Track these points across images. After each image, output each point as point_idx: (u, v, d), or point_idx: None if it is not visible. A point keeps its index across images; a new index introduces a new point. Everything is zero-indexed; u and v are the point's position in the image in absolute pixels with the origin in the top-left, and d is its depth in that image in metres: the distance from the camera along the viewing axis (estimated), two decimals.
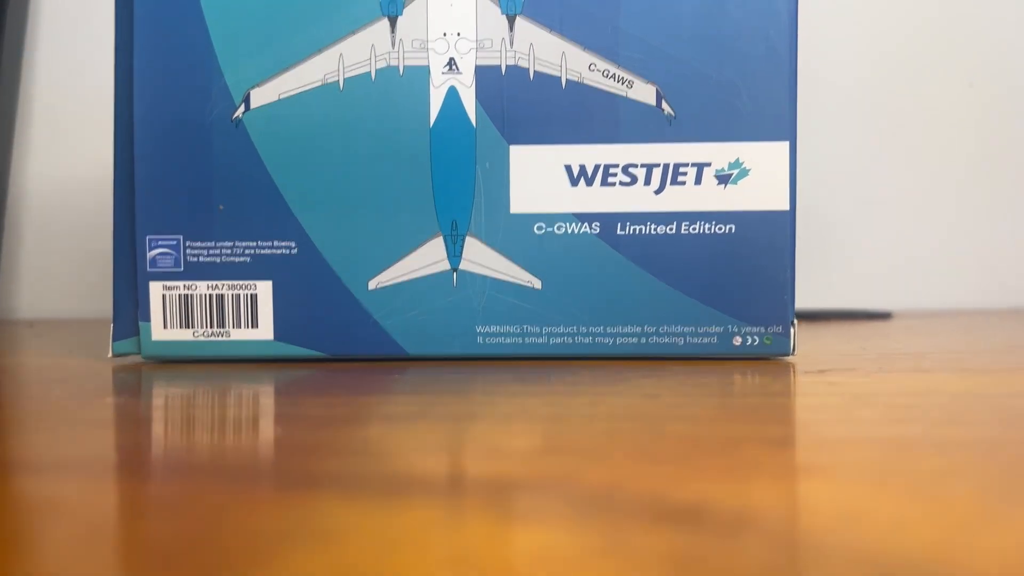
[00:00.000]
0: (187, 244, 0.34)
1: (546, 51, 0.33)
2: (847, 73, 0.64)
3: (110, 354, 0.34)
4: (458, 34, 0.33)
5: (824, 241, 0.65)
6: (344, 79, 0.33)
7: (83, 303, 0.65)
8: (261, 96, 0.33)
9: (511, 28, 0.33)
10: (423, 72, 0.33)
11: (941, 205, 0.65)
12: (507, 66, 0.33)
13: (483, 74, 0.33)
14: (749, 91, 0.33)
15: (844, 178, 0.65)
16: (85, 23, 0.63)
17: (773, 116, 0.33)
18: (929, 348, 0.40)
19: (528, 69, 0.33)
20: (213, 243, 0.34)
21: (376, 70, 0.33)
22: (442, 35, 0.33)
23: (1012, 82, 0.64)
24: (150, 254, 0.34)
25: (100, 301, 0.65)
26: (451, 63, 0.33)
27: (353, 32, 0.33)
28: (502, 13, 0.33)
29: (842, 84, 0.64)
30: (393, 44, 0.33)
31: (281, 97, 0.33)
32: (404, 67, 0.33)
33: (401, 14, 0.33)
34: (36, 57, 0.64)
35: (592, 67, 0.33)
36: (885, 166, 0.65)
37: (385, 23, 0.33)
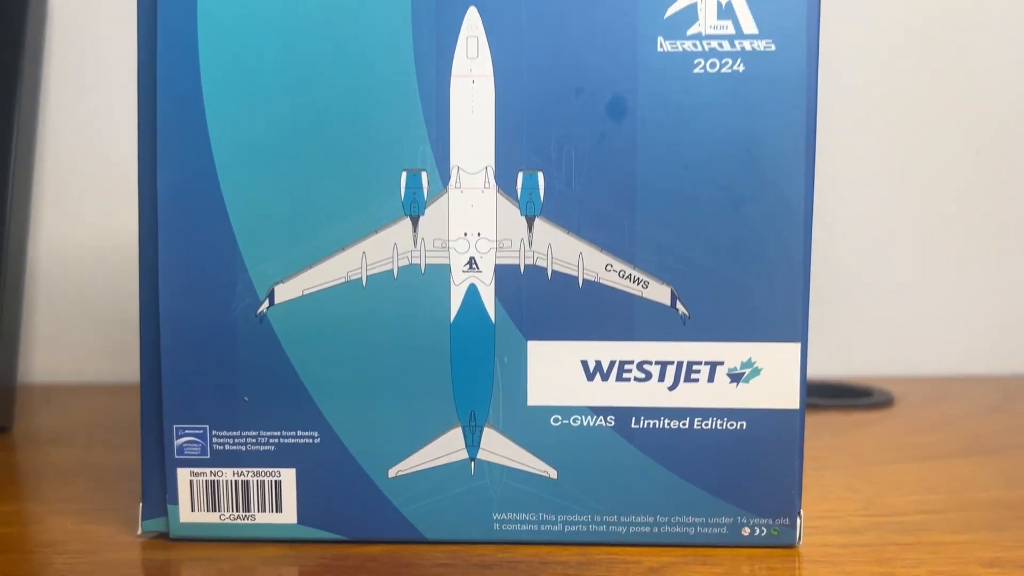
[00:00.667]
0: (213, 433, 0.35)
1: (564, 251, 0.34)
2: (857, 138, 0.64)
3: (139, 532, 0.36)
4: (478, 234, 0.34)
5: (828, 303, 0.66)
6: (367, 276, 0.34)
7: (97, 366, 0.66)
8: (285, 292, 0.34)
9: (530, 229, 0.34)
10: (444, 270, 0.34)
11: (944, 269, 0.66)
12: (526, 265, 0.34)
13: (502, 272, 0.34)
14: (763, 292, 0.34)
15: (848, 240, 0.66)
16: (100, 90, 0.64)
17: (786, 317, 0.34)
18: (937, 482, 0.40)
19: (546, 268, 0.34)
20: (239, 432, 0.35)
21: (399, 268, 0.34)
22: (463, 235, 0.34)
23: (1017, 150, 0.65)
24: (177, 442, 0.35)
25: (112, 364, 0.66)
26: (471, 262, 0.34)
27: (376, 231, 0.34)
28: (521, 215, 0.34)
29: (851, 146, 0.65)
30: (415, 243, 0.34)
31: (305, 293, 0.34)
32: (426, 265, 0.34)
33: (423, 214, 0.34)
34: (50, 125, 0.64)
35: (608, 267, 0.34)
36: (891, 230, 0.66)
37: (407, 223, 0.34)
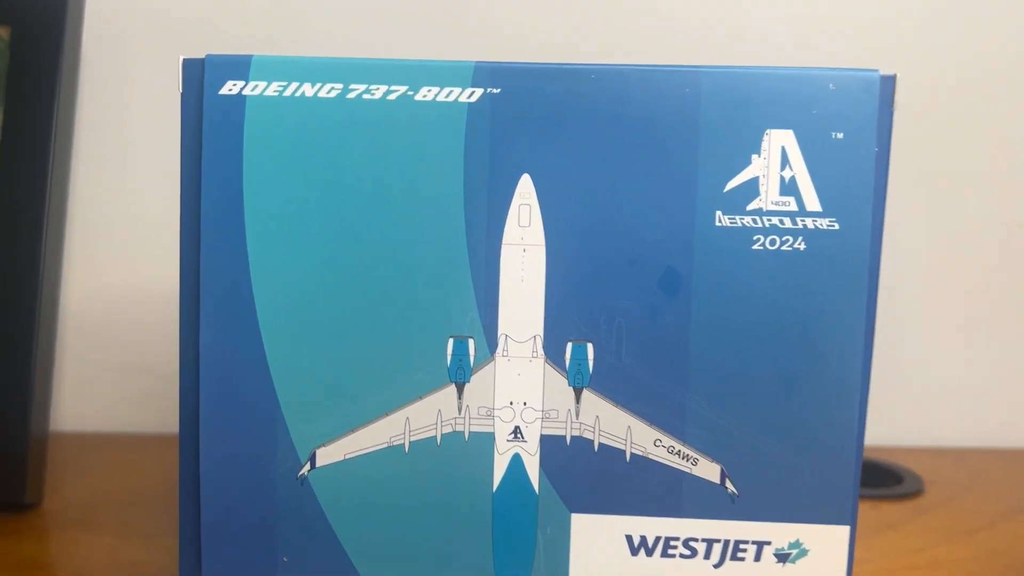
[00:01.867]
0: None
1: (612, 424, 0.33)
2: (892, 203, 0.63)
3: None
4: (524, 403, 0.33)
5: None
6: (410, 442, 0.34)
7: (125, 415, 0.66)
8: (327, 456, 0.34)
9: (577, 400, 0.33)
10: (488, 438, 0.34)
11: (975, 338, 0.65)
12: (572, 436, 0.33)
13: (548, 443, 0.33)
14: (813, 473, 0.33)
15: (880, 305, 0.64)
16: (130, 146, 0.63)
17: (835, 499, 0.33)
18: None
19: (593, 441, 0.33)
20: None
21: (442, 435, 0.34)
22: (508, 403, 0.33)
23: None
24: None
25: (137, 413, 0.66)
26: (516, 431, 0.33)
27: (420, 397, 0.33)
28: (569, 385, 0.33)
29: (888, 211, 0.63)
30: (460, 410, 0.33)
31: (347, 457, 0.34)
32: (469, 433, 0.34)
33: (469, 381, 0.33)
34: (81, 182, 0.64)
35: (658, 443, 0.33)
36: (923, 296, 0.65)
37: (452, 389, 0.33)
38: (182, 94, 0.33)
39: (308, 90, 0.32)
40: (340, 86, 0.32)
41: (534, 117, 0.32)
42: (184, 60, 0.33)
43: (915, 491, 0.61)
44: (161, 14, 0.62)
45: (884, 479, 0.62)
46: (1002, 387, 0.67)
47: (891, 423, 0.68)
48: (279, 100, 0.32)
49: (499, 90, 0.32)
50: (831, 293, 0.32)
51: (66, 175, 0.59)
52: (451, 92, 0.32)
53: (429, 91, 0.32)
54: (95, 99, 0.63)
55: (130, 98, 0.64)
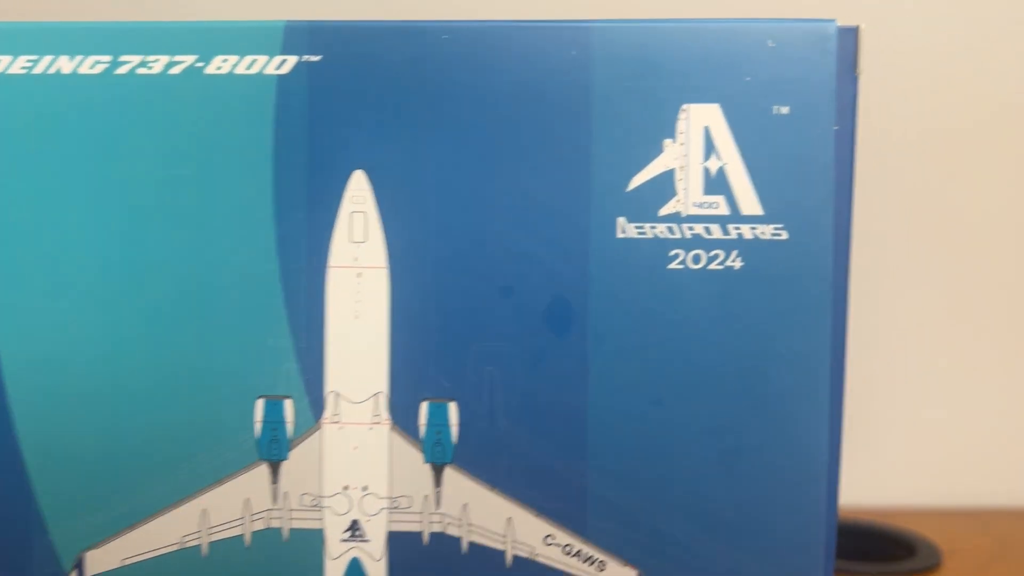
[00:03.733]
0: None
1: (485, 515, 0.24)
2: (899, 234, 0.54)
3: None
4: (364, 488, 0.24)
5: (862, 424, 0.56)
6: (209, 543, 0.24)
7: None
8: (98, 561, 0.25)
9: (438, 482, 0.24)
10: (315, 537, 0.24)
11: (989, 391, 0.56)
12: (431, 534, 0.24)
13: (398, 543, 0.24)
14: None
15: (883, 355, 0.55)
16: None
17: None
18: None
19: (460, 539, 0.24)
20: None
21: (252, 533, 0.24)
22: (342, 489, 0.24)
23: None
24: None
25: None
26: (354, 527, 0.24)
27: (221, 482, 0.24)
28: (426, 461, 0.24)
29: (892, 243, 0.54)
30: (275, 498, 0.24)
31: (125, 563, 0.25)
32: (290, 530, 0.24)
33: (286, 458, 0.24)
34: None
35: (549, 540, 0.24)
36: (933, 345, 0.55)
37: (264, 470, 0.24)
38: None
39: (66, 65, 0.24)
40: (108, 58, 0.24)
41: (367, 94, 0.24)
42: None
43: (931, 565, 0.50)
44: None
45: (893, 550, 0.52)
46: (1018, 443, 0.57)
47: (900, 480, 0.58)
48: (26, 80, 0.24)
49: (319, 57, 0.24)
50: (782, 328, 0.23)
51: None
52: (254, 62, 0.24)
53: (225, 61, 0.24)
54: None
55: None
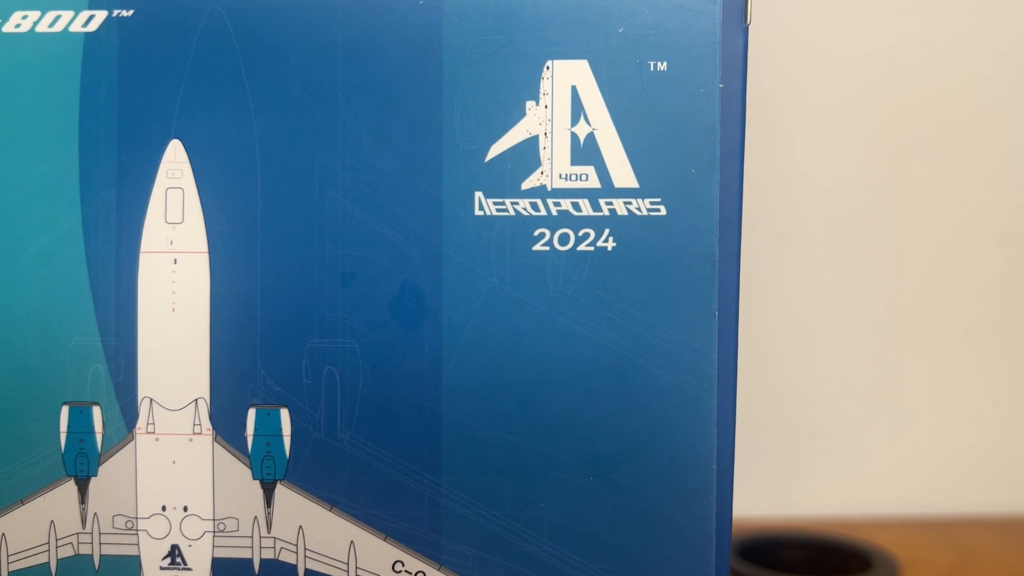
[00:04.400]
0: None
1: (324, 539, 0.21)
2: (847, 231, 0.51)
3: None
4: (185, 509, 0.21)
5: (813, 430, 0.53)
6: (8, 573, 0.21)
7: None
8: None
9: (269, 502, 0.21)
10: (131, 565, 0.21)
11: (959, 387, 0.53)
12: (263, 560, 0.21)
13: (226, 571, 0.21)
14: None
15: (829, 355, 0.52)
16: None
17: None
18: None
19: (296, 566, 0.21)
20: None
21: (58, 560, 0.21)
22: (160, 509, 0.21)
23: None
24: None
25: None
26: (174, 553, 0.21)
27: (22, 501, 0.21)
28: (255, 478, 0.21)
29: (831, 238, 0.51)
30: (84, 521, 0.21)
31: None
32: (101, 557, 0.21)
33: (96, 474, 0.21)
34: None
35: (398, 566, 0.21)
36: (883, 343, 0.53)
37: (71, 488, 0.21)
38: None
39: None
40: None
41: (186, 51, 0.20)
42: None
43: None
44: None
45: (848, 564, 0.49)
46: (993, 446, 0.54)
47: (857, 489, 0.55)
48: None
49: (131, 12, 0.20)
50: (662, 316, 0.20)
51: None
52: (58, 18, 0.21)
53: (24, 18, 0.21)
54: None
55: None
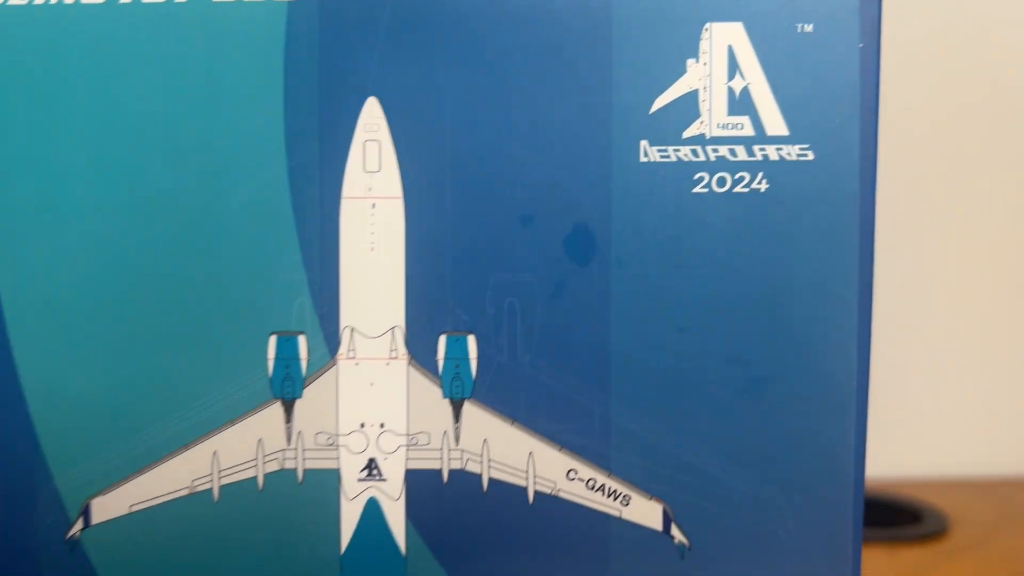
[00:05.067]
0: None
1: (506, 450, 0.23)
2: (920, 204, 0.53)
3: None
4: (381, 426, 0.23)
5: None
6: (220, 487, 0.24)
7: None
8: (105, 508, 0.24)
9: (457, 418, 0.23)
10: (331, 478, 0.24)
11: (1006, 348, 0.55)
12: (451, 471, 0.23)
13: (417, 481, 0.24)
14: (797, 514, 0.23)
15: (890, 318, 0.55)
16: None
17: (830, 550, 0.23)
18: None
19: (480, 475, 0.23)
20: None
21: (265, 475, 0.24)
22: (359, 427, 0.23)
23: None
24: None
25: None
26: (371, 466, 0.23)
27: (232, 422, 0.23)
28: (444, 397, 0.23)
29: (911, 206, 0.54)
30: (289, 439, 0.23)
31: (133, 509, 0.24)
32: (304, 471, 0.24)
33: (300, 396, 0.23)
34: None
35: (572, 474, 0.23)
36: (940, 292, 0.55)
37: (278, 409, 0.23)
38: None
39: None
40: None
41: (381, 17, 0.23)
42: None
43: (938, 531, 0.50)
44: None
45: (898, 518, 0.52)
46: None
47: (904, 451, 0.58)
48: (26, 11, 0.23)
49: None
50: (809, 250, 0.23)
51: None
52: None
53: None
54: None
55: None
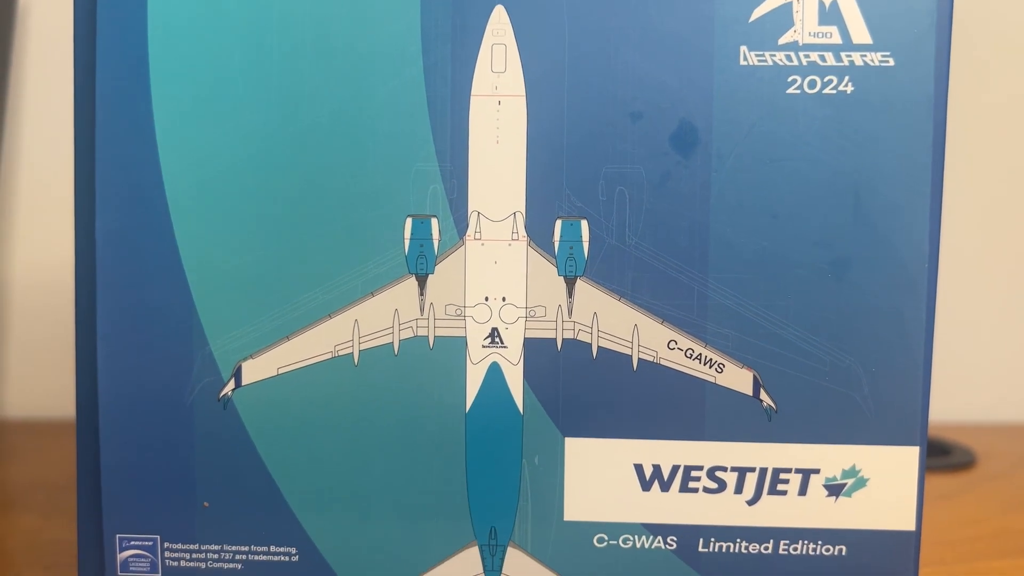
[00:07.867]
0: (166, 546, 0.27)
1: (614, 322, 0.26)
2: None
3: None
4: (503, 299, 0.26)
5: None
6: (360, 352, 0.27)
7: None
8: (255, 370, 0.27)
9: (570, 293, 0.26)
10: (459, 344, 0.27)
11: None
12: (564, 339, 0.26)
13: (534, 349, 0.26)
14: (873, 381, 0.26)
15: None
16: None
17: (900, 414, 0.26)
18: None
19: (591, 344, 0.26)
20: (197, 546, 0.27)
21: (400, 341, 0.27)
22: (483, 299, 0.26)
23: None
24: (120, 556, 0.27)
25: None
26: (494, 334, 0.26)
27: (372, 294, 0.26)
28: (559, 274, 0.26)
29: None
30: (422, 309, 0.26)
31: (281, 372, 0.27)
32: (435, 338, 0.27)
33: (433, 272, 0.26)
34: (24, 133, 0.58)
35: (672, 344, 0.26)
36: (971, 252, 0.58)
37: (412, 283, 0.26)
38: None
39: None
40: None
41: None
42: None
43: (966, 462, 0.53)
44: None
45: (929, 450, 0.55)
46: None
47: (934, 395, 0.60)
48: None
49: None
50: (888, 150, 0.25)
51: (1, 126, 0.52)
52: None
53: None
54: (40, 51, 0.57)
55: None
